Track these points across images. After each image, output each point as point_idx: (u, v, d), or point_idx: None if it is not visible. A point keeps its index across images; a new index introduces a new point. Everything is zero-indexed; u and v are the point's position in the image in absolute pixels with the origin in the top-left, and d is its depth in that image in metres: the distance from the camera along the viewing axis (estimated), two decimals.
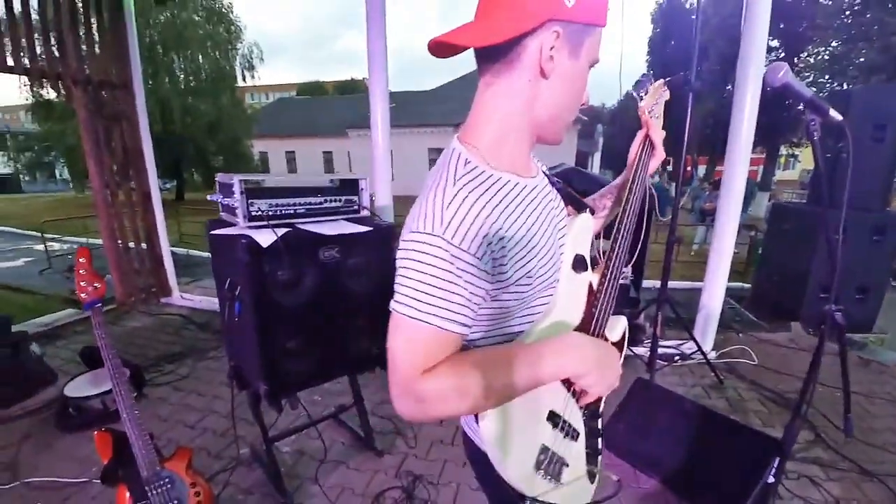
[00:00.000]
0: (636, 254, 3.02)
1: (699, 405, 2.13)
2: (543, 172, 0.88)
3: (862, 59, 11.72)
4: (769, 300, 4.51)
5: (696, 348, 3.22)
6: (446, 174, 0.70)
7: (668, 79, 1.07)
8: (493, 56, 0.71)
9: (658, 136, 0.99)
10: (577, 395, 0.81)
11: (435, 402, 0.63)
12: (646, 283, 4.18)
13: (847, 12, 12.21)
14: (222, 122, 18.53)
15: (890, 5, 11.54)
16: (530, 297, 0.76)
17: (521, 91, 0.71)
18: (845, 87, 11.65)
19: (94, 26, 3.95)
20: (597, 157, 27.72)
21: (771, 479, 1.37)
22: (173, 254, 4.95)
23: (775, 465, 1.37)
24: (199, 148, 18.43)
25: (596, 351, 0.74)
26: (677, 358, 3.37)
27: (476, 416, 0.73)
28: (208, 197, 2.07)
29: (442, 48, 0.69)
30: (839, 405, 2.75)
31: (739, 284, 5.39)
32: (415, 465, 2.32)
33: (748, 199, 6.58)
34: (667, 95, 1.05)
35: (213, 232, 1.89)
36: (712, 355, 3.41)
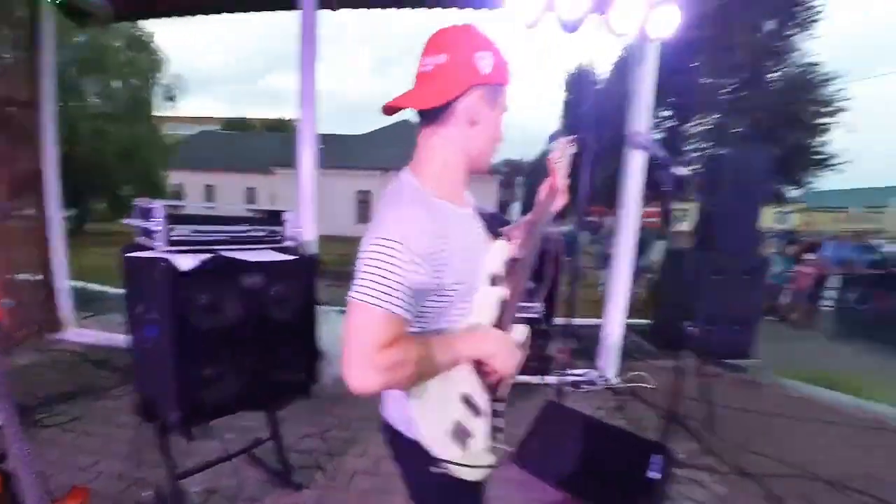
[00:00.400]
0: (544, 287, 3.36)
1: (598, 420, 2.37)
2: (474, 206, 1.10)
3: (737, 130, 13.79)
4: (665, 333, 5.03)
5: (600, 376, 3.52)
6: (401, 197, 0.91)
7: (574, 136, 1.28)
8: (434, 114, 0.94)
9: (562, 182, 1.22)
10: (486, 375, 1.00)
11: (389, 371, 0.81)
12: (560, 321, 4.53)
13: (726, 89, 14.41)
14: (137, 150, 17.53)
15: (760, 85, 13.82)
16: (456, 301, 0.95)
17: (457, 138, 0.95)
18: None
19: (8, 44, 3.74)
20: (516, 205, 29.38)
21: (655, 475, 1.57)
22: (70, 287, 4.54)
23: (658, 462, 1.58)
24: (107, 175, 17.13)
25: (503, 339, 0.99)
26: (584, 385, 3.66)
27: (407, 395, 0.92)
28: (126, 221, 2.03)
29: (391, 108, 0.92)
30: (724, 421, 3.15)
31: (641, 320, 5.93)
32: (335, 498, 2.30)
33: (646, 246, 7.37)
34: (573, 149, 1.27)
35: (129, 254, 1.86)
36: (615, 382, 3.74)
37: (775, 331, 6.90)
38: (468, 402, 0.98)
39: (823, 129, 14.13)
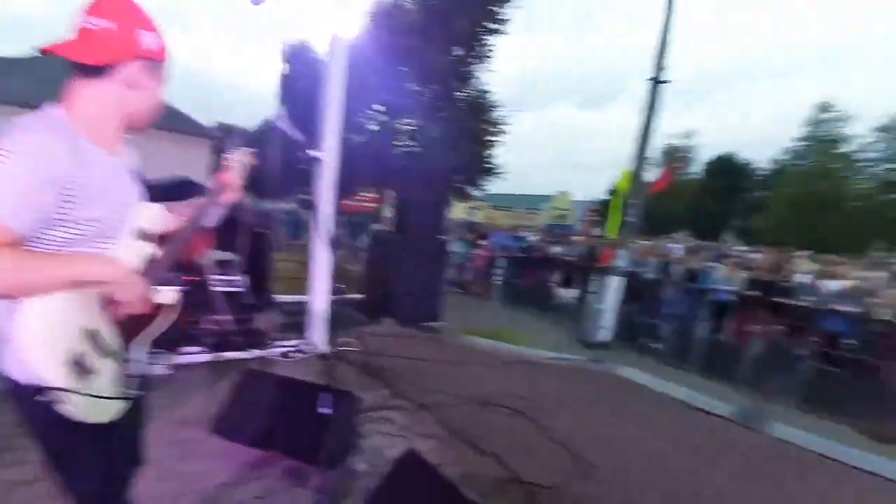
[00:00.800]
0: (241, 259, 3.34)
1: (285, 377, 2.61)
2: (129, 160, 1.14)
3: (433, 135, 16.37)
4: (373, 303, 5.68)
5: (308, 345, 3.75)
6: (43, 120, 0.93)
7: (255, 151, 1.37)
8: (94, 70, 0.98)
9: (232, 180, 1.28)
10: (110, 306, 1.02)
11: None
12: (275, 297, 4.56)
13: (425, 98, 16.78)
14: None
15: (449, 100, 16.63)
16: (95, 237, 0.99)
17: (113, 95, 1.02)
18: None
19: None
20: None
21: (326, 410, 1.85)
22: None
23: (327, 399, 1.86)
24: None
25: (124, 269, 1.01)
26: (294, 354, 3.84)
27: (22, 327, 0.88)
28: None
29: (49, 52, 0.94)
30: (411, 371, 3.81)
31: (358, 294, 6.47)
32: None
33: (362, 229, 8.13)
34: (251, 160, 1.35)
35: None
36: (324, 349, 4.03)
37: (461, 300, 8.62)
38: (93, 338, 0.99)
39: (491, 145, 18.21)
